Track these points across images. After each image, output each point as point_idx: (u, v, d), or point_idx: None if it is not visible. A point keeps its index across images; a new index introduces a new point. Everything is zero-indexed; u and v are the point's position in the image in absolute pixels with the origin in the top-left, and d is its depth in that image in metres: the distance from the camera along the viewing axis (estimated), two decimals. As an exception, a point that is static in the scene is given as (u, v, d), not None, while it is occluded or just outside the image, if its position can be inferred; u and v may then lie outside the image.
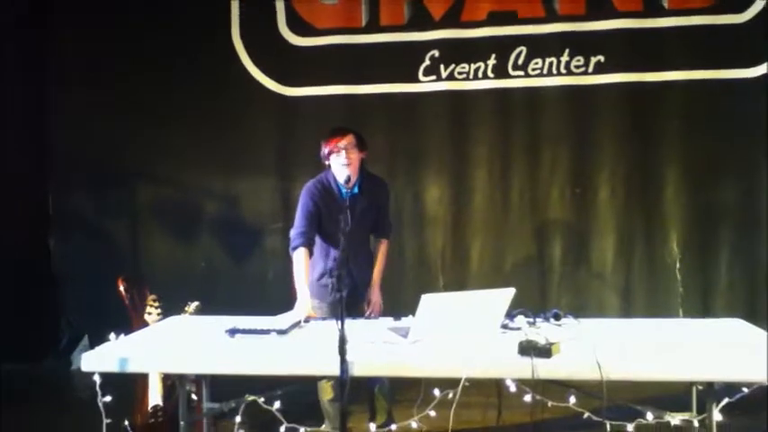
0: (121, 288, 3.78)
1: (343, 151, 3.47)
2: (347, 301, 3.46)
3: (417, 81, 5.32)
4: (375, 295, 3.71)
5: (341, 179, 3.49)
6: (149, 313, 3.52)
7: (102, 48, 5.56)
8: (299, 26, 5.44)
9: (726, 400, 2.64)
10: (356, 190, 3.54)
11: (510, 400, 3.00)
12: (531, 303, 3.40)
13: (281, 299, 4.38)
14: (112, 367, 2.76)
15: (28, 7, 5.66)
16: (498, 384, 2.98)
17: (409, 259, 5.43)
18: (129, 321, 3.69)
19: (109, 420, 2.81)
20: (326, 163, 3.56)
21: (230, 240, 5.62)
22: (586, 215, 5.26)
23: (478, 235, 5.38)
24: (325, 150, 3.52)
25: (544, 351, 2.57)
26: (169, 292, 3.83)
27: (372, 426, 3.24)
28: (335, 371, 2.52)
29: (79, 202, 5.73)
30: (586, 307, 5.10)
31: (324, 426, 3.25)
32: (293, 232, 3.55)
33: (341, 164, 3.47)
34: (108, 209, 5.72)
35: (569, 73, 5.17)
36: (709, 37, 5.03)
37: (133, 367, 2.81)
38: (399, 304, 3.56)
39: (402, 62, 5.34)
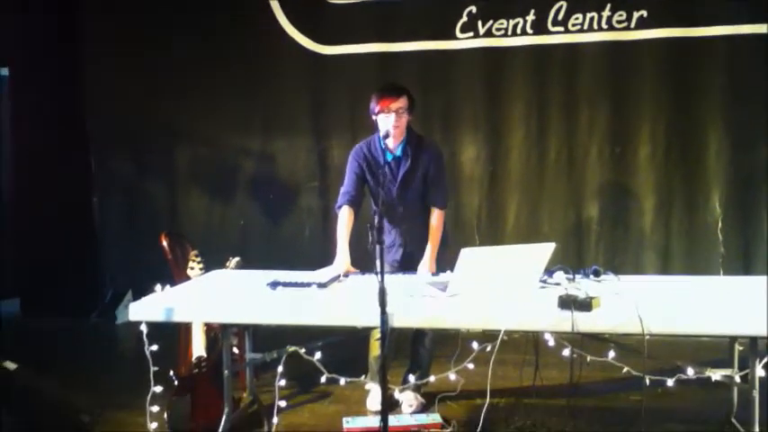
0: (164, 243, 3.86)
1: (393, 114, 3.38)
2: (403, 268, 3.49)
3: (454, 38, 5.24)
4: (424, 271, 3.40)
5: (382, 135, 3.43)
6: (191, 268, 3.58)
7: (138, 9, 5.56)
8: (336, -16, 5.40)
9: (768, 358, 2.63)
10: (399, 153, 3.50)
11: (548, 358, 3.02)
12: (569, 262, 3.37)
13: (318, 255, 4.43)
14: (159, 317, 2.83)
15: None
16: (536, 340, 3.00)
17: (445, 218, 5.40)
18: (171, 277, 3.77)
19: (156, 368, 2.88)
20: (374, 118, 3.47)
21: (267, 198, 5.67)
22: (626, 174, 5.16)
23: (515, 194, 5.32)
24: (374, 107, 3.43)
25: (584, 305, 2.57)
26: (208, 249, 3.89)
27: (411, 377, 3.29)
28: (375, 322, 2.55)
29: (120, 162, 5.82)
30: (626, 267, 5.02)
31: (363, 377, 3.30)
32: (340, 191, 3.57)
33: (388, 125, 3.39)
34: (149, 168, 5.81)
35: (611, 28, 5.04)
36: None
37: (179, 317, 2.88)
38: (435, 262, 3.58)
39: (439, 19, 5.25)
